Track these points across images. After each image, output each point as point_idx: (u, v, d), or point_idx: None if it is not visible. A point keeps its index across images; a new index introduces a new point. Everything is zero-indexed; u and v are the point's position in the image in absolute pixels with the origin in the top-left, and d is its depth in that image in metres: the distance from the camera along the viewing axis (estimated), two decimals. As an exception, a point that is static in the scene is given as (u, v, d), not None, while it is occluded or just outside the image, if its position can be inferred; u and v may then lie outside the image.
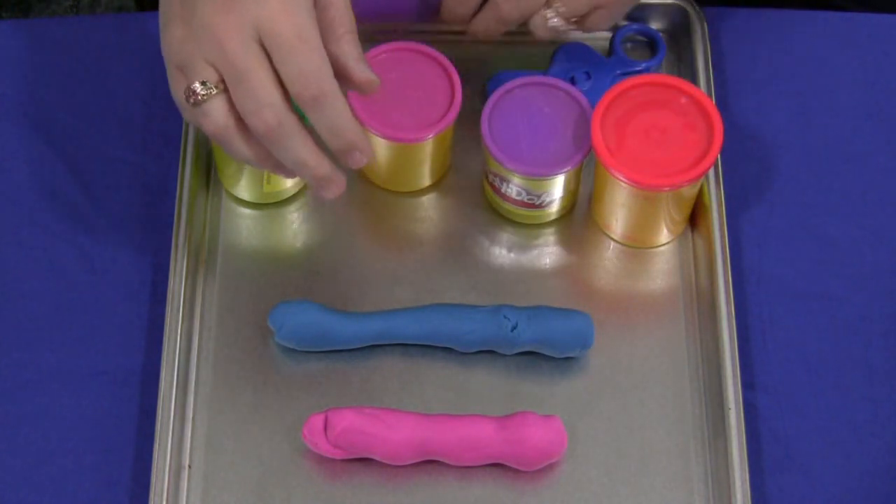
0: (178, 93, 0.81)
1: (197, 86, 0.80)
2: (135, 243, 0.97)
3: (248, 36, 0.78)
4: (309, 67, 0.78)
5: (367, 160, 0.83)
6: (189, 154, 0.97)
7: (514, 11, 0.93)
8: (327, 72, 0.79)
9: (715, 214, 0.95)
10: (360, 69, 0.83)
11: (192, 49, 0.80)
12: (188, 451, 0.90)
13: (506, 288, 0.95)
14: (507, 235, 0.98)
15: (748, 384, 0.92)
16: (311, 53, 0.78)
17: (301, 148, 0.80)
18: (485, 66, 1.01)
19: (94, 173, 1.00)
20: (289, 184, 0.97)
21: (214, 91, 0.80)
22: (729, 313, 0.92)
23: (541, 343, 0.91)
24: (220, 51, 0.78)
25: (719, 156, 0.93)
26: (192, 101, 0.80)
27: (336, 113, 0.80)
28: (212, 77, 0.79)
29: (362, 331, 0.92)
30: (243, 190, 0.98)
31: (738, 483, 0.87)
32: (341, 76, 0.82)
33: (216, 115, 0.80)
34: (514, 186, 0.94)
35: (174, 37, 0.81)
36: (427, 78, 0.94)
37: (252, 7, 0.78)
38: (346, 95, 0.81)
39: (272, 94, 0.79)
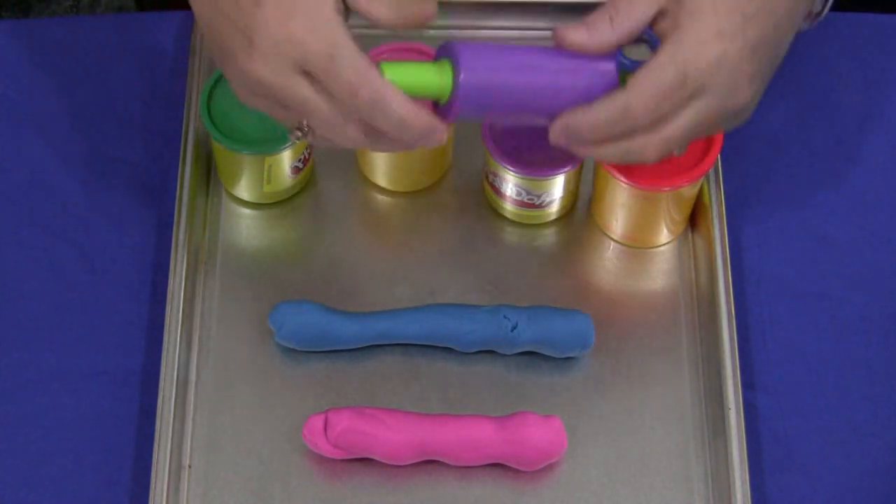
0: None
1: (295, 132, 0.81)
2: (135, 243, 0.97)
3: (290, 73, 0.78)
4: (351, 81, 0.77)
5: (445, 137, 0.81)
6: (189, 154, 0.97)
7: (657, 157, 0.82)
8: (371, 76, 0.77)
9: (715, 214, 0.95)
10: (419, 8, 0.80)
11: (253, 101, 0.80)
12: (188, 451, 0.90)
13: (506, 288, 0.95)
14: (507, 235, 0.98)
15: (748, 384, 0.92)
16: (347, 68, 0.77)
17: (400, 115, 0.78)
18: (485, 66, 1.01)
19: (94, 173, 1.00)
20: (289, 184, 0.97)
21: (306, 128, 0.80)
22: (729, 313, 0.92)
23: (541, 343, 0.91)
24: (276, 97, 0.79)
25: (719, 156, 0.93)
26: (299, 139, 0.81)
27: (396, 109, 0.78)
28: (293, 118, 0.80)
29: (362, 331, 0.92)
30: (243, 190, 0.98)
31: (738, 483, 0.87)
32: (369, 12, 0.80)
33: (324, 142, 0.81)
34: (514, 186, 0.94)
35: (233, 88, 0.81)
36: (427, 78, 0.94)
37: (284, 44, 0.77)
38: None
39: (336, 116, 0.78)
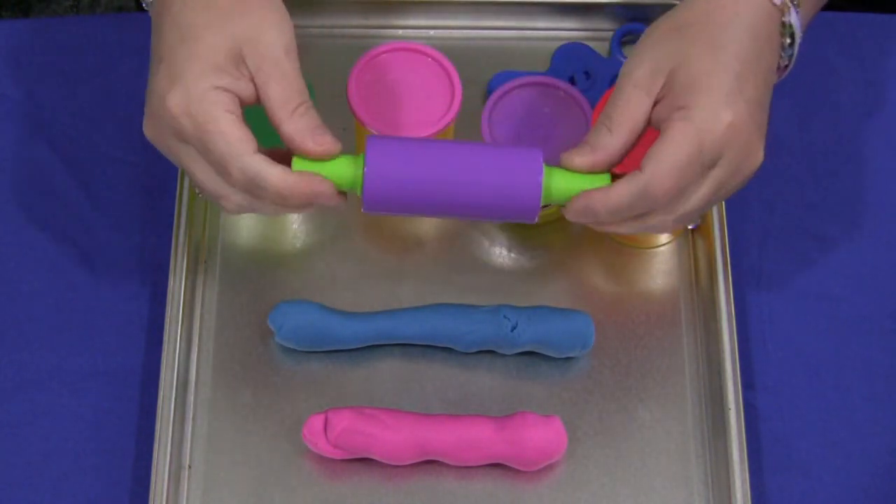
0: None
1: (195, 189, 0.84)
2: (135, 243, 0.97)
3: (172, 140, 0.80)
4: (222, 158, 0.78)
5: (338, 201, 0.81)
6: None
7: (673, 228, 0.83)
8: (242, 153, 0.78)
9: (715, 214, 0.95)
10: (315, 142, 0.80)
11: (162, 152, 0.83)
12: (188, 451, 0.90)
13: (506, 288, 0.95)
14: (507, 235, 0.97)
15: (748, 384, 0.92)
16: (218, 145, 0.78)
17: (278, 192, 0.80)
18: (485, 66, 1.01)
19: (94, 173, 1.00)
20: (289, 184, 0.97)
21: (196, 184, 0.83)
22: (729, 313, 0.92)
23: (541, 343, 0.91)
24: (167, 156, 0.82)
25: (719, 156, 0.93)
26: (204, 199, 0.84)
27: (273, 182, 0.78)
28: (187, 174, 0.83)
29: (362, 331, 0.92)
30: (243, 190, 0.97)
31: (738, 483, 0.87)
32: (302, 151, 0.80)
33: (224, 206, 0.83)
34: (514, 186, 0.94)
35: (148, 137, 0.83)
36: (427, 78, 0.94)
37: (164, 113, 0.78)
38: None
39: (217, 184, 0.80)
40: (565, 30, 1.04)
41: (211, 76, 0.78)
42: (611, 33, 1.03)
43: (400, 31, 1.03)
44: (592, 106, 0.93)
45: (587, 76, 1.00)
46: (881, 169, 1.01)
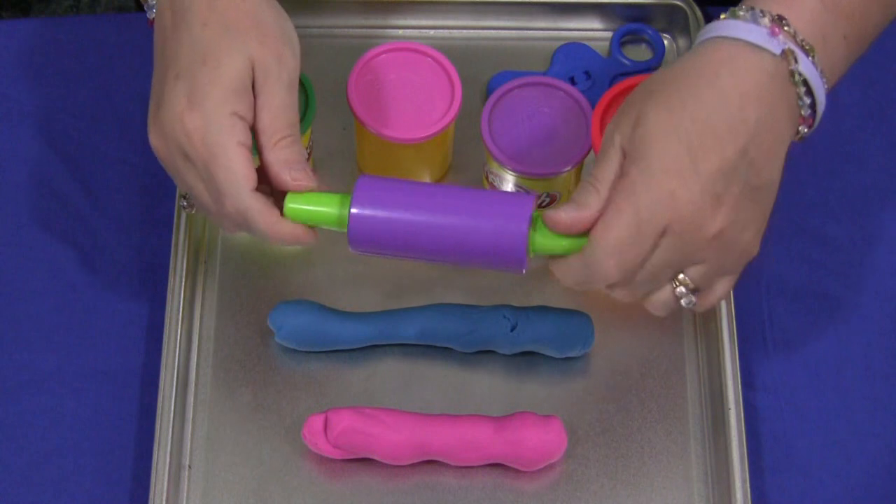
0: None
1: (181, 199, 0.87)
2: (135, 243, 0.97)
3: (179, 156, 0.81)
4: (221, 188, 0.80)
5: (313, 241, 0.84)
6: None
7: (640, 292, 0.80)
8: (244, 186, 0.80)
9: (715, 214, 0.95)
10: (291, 177, 0.82)
11: (160, 162, 0.84)
12: (188, 451, 0.90)
13: (506, 288, 0.95)
14: (507, 235, 0.97)
15: (748, 384, 0.92)
16: (221, 174, 0.79)
17: (263, 235, 0.82)
18: (485, 66, 1.01)
19: (94, 173, 1.00)
20: (289, 184, 0.97)
21: (192, 200, 0.85)
22: (729, 313, 0.92)
23: (541, 343, 0.91)
24: (168, 169, 0.83)
25: (719, 156, 0.93)
26: (185, 211, 0.88)
27: (259, 223, 0.81)
28: (180, 187, 0.85)
29: (362, 331, 0.92)
30: (243, 190, 0.97)
31: (738, 483, 0.87)
32: (277, 182, 0.82)
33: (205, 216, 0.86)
34: (514, 186, 0.94)
35: (151, 144, 0.84)
36: (427, 78, 0.94)
37: (177, 131, 0.80)
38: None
39: (211, 204, 0.82)
40: (565, 30, 1.04)
41: (231, 102, 0.79)
42: (611, 33, 1.03)
43: (400, 31, 1.03)
44: (592, 106, 0.93)
45: (587, 76, 1.00)
46: (881, 169, 1.01)
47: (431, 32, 1.03)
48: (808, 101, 0.79)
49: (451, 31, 1.04)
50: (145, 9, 0.84)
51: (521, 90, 0.95)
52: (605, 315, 0.94)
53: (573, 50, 1.01)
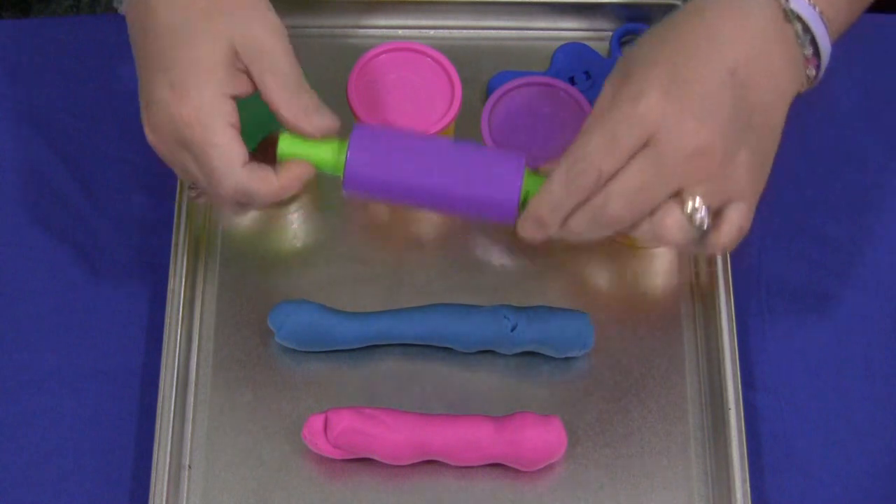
0: None
1: (189, 190, 0.87)
2: (135, 243, 0.97)
3: (175, 147, 0.82)
4: (217, 172, 0.81)
5: (310, 174, 0.85)
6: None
7: (625, 211, 0.78)
8: (237, 164, 0.81)
9: (715, 214, 0.95)
10: (312, 126, 0.82)
11: (161, 157, 0.85)
12: (188, 451, 0.90)
13: (506, 288, 0.95)
14: (507, 235, 0.97)
15: (748, 384, 0.92)
16: (215, 159, 0.80)
17: (267, 199, 0.83)
18: (485, 66, 1.01)
19: (94, 173, 1.00)
20: (289, 184, 0.97)
21: (197, 190, 0.86)
22: (729, 313, 0.92)
23: (541, 343, 0.91)
24: (169, 162, 0.84)
25: (719, 156, 0.93)
26: (193, 201, 0.88)
27: (262, 195, 0.82)
28: (184, 179, 0.86)
29: (362, 331, 0.92)
30: (243, 190, 0.98)
31: (738, 483, 0.87)
32: (302, 132, 0.83)
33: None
34: (514, 186, 0.94)
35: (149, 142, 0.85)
36: (427, 78, 0.94)
37: (168, 124, 0.81)
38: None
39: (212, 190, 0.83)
40: (565, 30, 1.04)
41: (213, 82, 0.80)
42: (611, 33, 1.03)
43: (400, 31, 1.03)
44: (592, 106, 0.93)
45: (587, 76, 1.00)
46: (881, 169, 1.01)
47: (431, 32, 1.03)
48: (807, 37, 0.80)
49: (451, 31, 1.04)
50: (114, 3, 0.85)
51: (521, 90, 0.95)
52: (605, 315, 0.94)
53: (573, 50, 1.01)
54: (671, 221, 0.78)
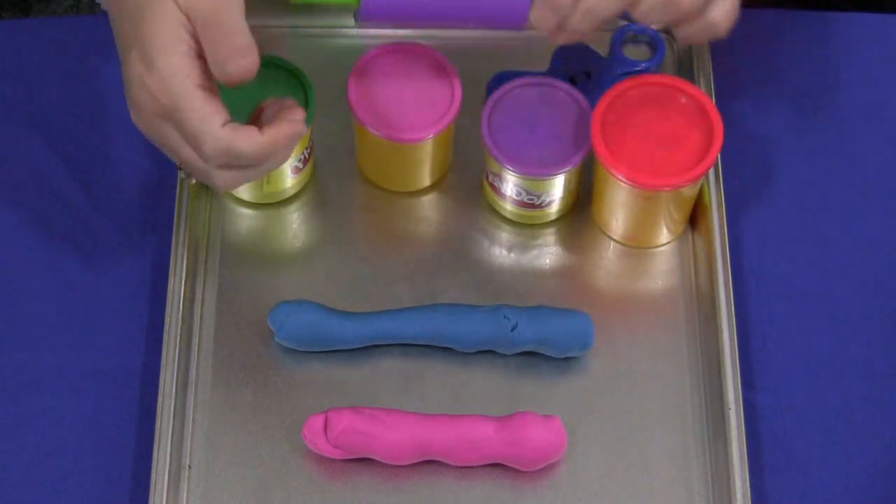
0: None
1: (180, 172, 0.86)
2: (135, 243, 0.97)
3: (157, 122, 0.81)
4: (195, 133, 0.79)
5: (300, 128, 0.84)
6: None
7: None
8: (216, 122, 0.79)
9: (715, 214, 0.95)
10: (235, 67, 0.80)
11: (149, 139, 0.84)
12: (188, 451, 0.90)
13: (506, 288, 0.95)
14: (506, 235, 0.98)
15: (748, 384, 0.92)
16: (190, 120, 0.79)
17: (254, 158, 0.82)
18: (485, 66, 1.01)
19: (94, 173, 1.00)
20: (289, 184, 0.97)
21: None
22: (729, 313, 0.92)
23: (541, 343, 0.91)
24: (156, 142, 0.83)
25: (719, 156, 0.93)
26: (187, 181, 0.86)
27: (247, 148, 0.81)
28: (173, 158, 0.84)
29: (362, 331, 0.92)
30: (243, 190, 0.98)
31: (738, 483, 0.87)
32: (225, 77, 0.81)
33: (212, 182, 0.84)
34: (514, 186, 0.94)
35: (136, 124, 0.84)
36: (427, 78, 0.94)
37: (145, 98, 0.80)
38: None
39: (200, 161, 0.82)
40: (565, 30, 1.04)
41: (178, 46, 0.79)
42: (611, 33, 1.03)
43: (400, 31, 1.03)
44: (592, 106, 0.93)
45: (587, 76, 1.00)
46: (881, 169, 1.01)
47: (431, 32, 1.03)
48: None
49: (451, 31, 1.04)
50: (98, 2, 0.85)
51: (521, 90, 0.95)
52: (605, 315, 0.94)
53: (573, 50, 1.01)
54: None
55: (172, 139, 0.81)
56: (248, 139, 0.80)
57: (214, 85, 0.81)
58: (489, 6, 0.86)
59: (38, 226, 0.98)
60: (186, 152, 0.81)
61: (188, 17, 0.80)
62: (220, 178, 0.83)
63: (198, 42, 0.80)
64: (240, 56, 0.79)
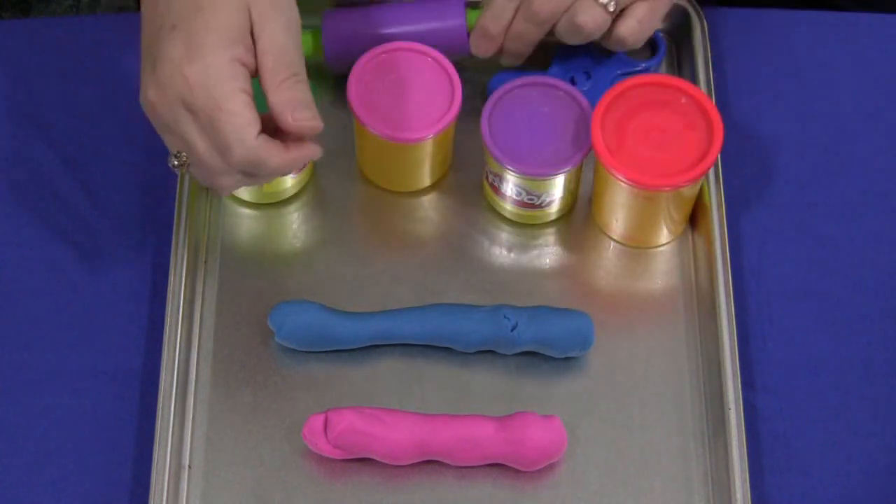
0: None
1: (172, 159, 0.84)
2: (135, 243, 0.97)
3: (179, 109, 0.81)
4: (227, 139, 0.80)
5: (317, 152, 0.87)
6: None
7: (548, 6, 0.91)
8: (250, 133, 0.80)
9: (715, 214, 0.95)
10: (294, 117, 0.82)
11: (149, 113, 0.83)
12: (188, 451, 0.90)
13: (506, 288, 0.95)
14: (507, 235, 0.98)
15: (748, 384, 0.92)
16: (226, 125, 0.80)
17: (270, 174, 0.85)
18: (485, 66, 1.01)
19: (94, 173, 1.00)
20: (289, 184, 0.97)
21: (184, 160, 0.84)
22: (729, 313, 0.92)
23: (541, 343, 0.91)
24: (165, 126, 0.82)
25: (719, 156, 0.93)
26: (175, 171, 0.84)
27: (272, 164, 0.82)
28: (174, 145, 0.84)
29: (362, 331, 0.92)
30: (243, 190, 0.97)
31: (738, 483, 0.87)
32: (281, 123, 0.83)
33: (198, 178, 0.86)
34: (514, 186, 0.94)
35: (144, 104, 0.84)
36: (427, 78, 0.94)
37: (177, 82, 0.80)
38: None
39: (212, 159, 0.82)
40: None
41: (230, 47, 0.80)
42: (611, 33, 1.03)
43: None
44: (592, 106, 0.93)
45: (587, 76, 1.00)
46: (881, 169, 1.01)
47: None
48: None
49: (451, 31, 1.04)
50: None
51: (521, 90, 0.95)
52: (605, 315, 0.94)
53: (573, 50, 1.01)
54: (585, 5, 0.90)
55: (188, 129, 0.81)
56: (277, 154, 0.82)
57: (252, 90, 0.81)
58: (433, 41, 0.95)
59: (38, 226, 0.98)
60: (202, 147, 0.81)
61: (252, 25, 0.81)
62: (230, 181, 0.84)
63: (249, 50, 0.81)
64: (300, 109, 0.83)
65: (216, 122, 0.80)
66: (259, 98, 0.83)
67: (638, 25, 0.93)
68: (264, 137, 0.81)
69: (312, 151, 0.86)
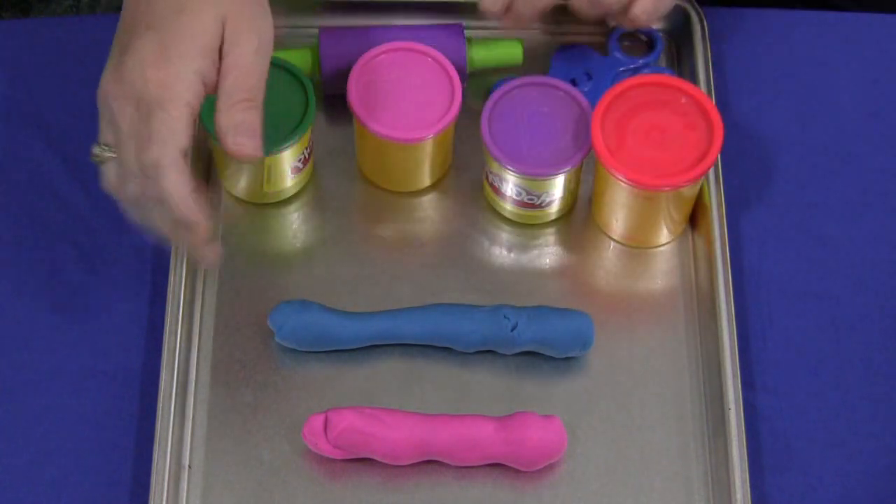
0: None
1: (96, 148, 0.82)
2: (135, 243, 0.97)
3: (129, 104, 0.80)
4: (157, 133, 0.79)
5: (202, 243, 0.83)
6: (189, 154, 0.96)
7: None
8: (173, 142, 0.79)
9: (715, 214, 0.95)
10: (234, 141, 0.81)
11: (101, 109, 0.82)
12: (188, 451, 0.90)
13: (506, 288, 0.95)
14: (507, 235, 0.98)
15: (748, 384, 0.92)
16: (163, 121, 0.79)
17: (157, 219, 0.82)
18: (485, 67, 1.01)
19: (94, 173, 0.99)
20: (289, 184, 0.97)
21: (108, 153, 0.82)
22: (729, 313, 0.92)
23: (541, 343, 0.91)
24: (109, 117, 0.81)
25: (719, 156, 0.93)
26: (93, 161, 0.83)
27: (166, 186, 0.79)
28: (104, 136, 0.82)
29: (362, 331, 0.92)
30: (243, 190, 0.98)
31: (738, 483, 0.87)
32: (223, 144, 0.82)
33: (107, 175, 0.83)
34: (514, 186, 0.94)
35: (99, 91, 0.83)
36: (427, 78, 0.94)
37: (137, 81, 0.79)
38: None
39: (129, 154, 0.80)
40: (565, 31, 1.04)
41: (197, 59, 0.79)
42: (607, 36, 1.03)
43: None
44: (592, 106, 0.93)
45: (588, 76, 1.00)
46: (881, 169, 1.01)
47: (431, 32, 1.03)
48: None
49: (451, 31, 1.04)
50: None
51: (521, 90, 0.95)
52: (605, 315, 0.94)
53: (573, 50, 1.01)
54: None
55: (126, 122, 0.80)
56: (178, 185, 0.79)
57: (199, 109, 0.81)
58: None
59: (38, 226, 0.98)
60: (126, 134, 0.80)
61: (224, 37, 0.80)
62: (129, 190, 0.82)
63: (215, 64, 0.80)
64: (242, 135, 0.81)
65: (151, 116, 0.79)
66: (209, 114, 0.83)
67: (652, 5, 0.93)
68: (184, 161, 0.79)
69: (201, 220, 0.81)
